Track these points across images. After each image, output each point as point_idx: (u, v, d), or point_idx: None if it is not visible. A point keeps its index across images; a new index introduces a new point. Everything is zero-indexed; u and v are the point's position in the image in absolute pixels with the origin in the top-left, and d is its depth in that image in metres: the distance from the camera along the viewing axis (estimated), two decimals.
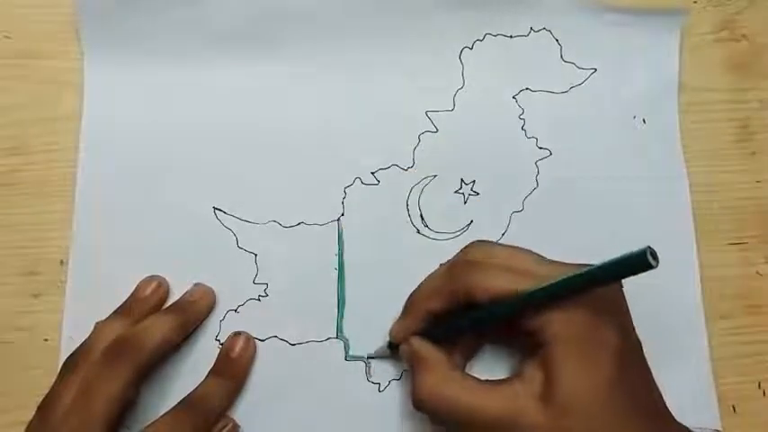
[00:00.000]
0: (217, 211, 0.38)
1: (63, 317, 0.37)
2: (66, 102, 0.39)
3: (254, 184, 0.39)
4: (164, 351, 0.34)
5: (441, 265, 0.34)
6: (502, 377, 0.31)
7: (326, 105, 0.40)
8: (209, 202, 0.38)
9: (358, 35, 0.40)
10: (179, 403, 0.34)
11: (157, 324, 0.34)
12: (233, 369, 0.35)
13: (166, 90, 0.40)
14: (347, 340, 0.37)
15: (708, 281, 0.38)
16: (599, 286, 0.29)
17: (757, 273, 0.39)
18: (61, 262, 0.37)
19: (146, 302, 0.36)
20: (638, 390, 0.30)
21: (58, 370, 0.33)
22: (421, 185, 0.39)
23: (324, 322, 0.37)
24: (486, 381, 0.31)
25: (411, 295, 0.35)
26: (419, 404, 0.31)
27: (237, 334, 0.36)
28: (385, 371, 0.36)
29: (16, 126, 0.39)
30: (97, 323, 0.35)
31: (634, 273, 0.27)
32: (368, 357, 0.36)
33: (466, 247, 0.34)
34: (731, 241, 0.39)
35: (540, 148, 0.39)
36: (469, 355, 0.35)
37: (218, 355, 0.36)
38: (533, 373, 0.30)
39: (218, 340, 0.36)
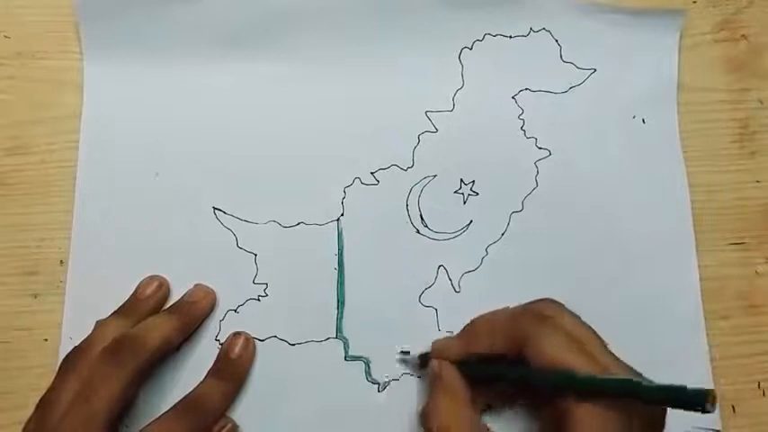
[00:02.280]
0: (217, 211, 0.38)
1: (63, 317, 0.37)
2: (65, 102, 0.39)
3: (253, 184, 0.39)
4: (164, 351, 0.34)
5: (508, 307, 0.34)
6: None
7: (326, 105, 0.40)
8: (209, 202, 0.38)
9: (358, 35, 0.40)
10: (178, 403, 0.34)
11: (158, 324, 0.34)
12: (232, 369, 0.35)
13: (166, 90, 0.40)
14: (347, 340, 0.37)
15: (708, 281, 0.38)
16: (648, 404, 0.28)
17: (757, 273, 0.39)
18: (61, 262, 0.37)
19: (146, 303, 0.36)
20: None
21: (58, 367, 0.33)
22: (420, 185, 0.39)
23: (324, 322, 0.37)
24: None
25: (473, 321, 0.34)
26: (427, 423, 0.32)
27: (237, 334, 0.36)
28: (384, 371, 0.36)
29: (16, 126, 0.39)
30: (98, 322, 0.35)
31: (685, 408, 0.27)
32: (399, 359, 0.36)
33: (537, 300, 0.33)
34: (731, 241, 0.39)
35: (540, 148, 0.39)
36: (488, 407, 0.35)
37: (218, 356, 0.36)
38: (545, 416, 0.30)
39: (218, 340, 0.36)
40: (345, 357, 0.37)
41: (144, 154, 0.39)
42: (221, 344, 0.36)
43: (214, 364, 0.36)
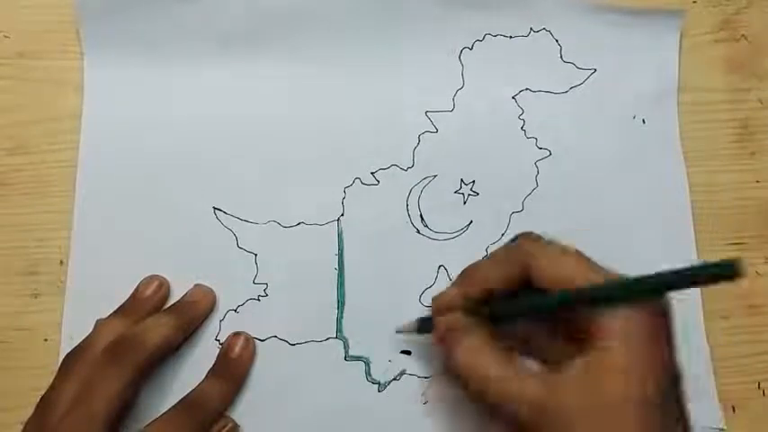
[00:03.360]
0: (217, 211, 0.38)
1: (63, 317, 0.37)
2: (65, 102, 0.39)
3: (253, 184, 0.39)
4: (164, 351, 0.34)
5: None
6: None
7: (326, 105, 0.40)
8: (209, 201, 0.38)
9: (358, 35, 0.40)
10: (178, 403, 0.34)
11: (158, 324, 0.34)
12: (232, 369, 0.35)
13: (166, 89, 0.40)
14: (347, 340, 0.37)
15: None
16: (672, 290, 0.27)
17: (757, 273, 0.39)
18: (61, 262, 0.37)
19: (146, 303, 0.36)
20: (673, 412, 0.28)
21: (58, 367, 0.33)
22: (421, 186, 0.39)
23: (324, 322, 0.37)
24: (524, 367, 0.30)
25: (466, 269, 0.32)
26: (454, 368, 0.30)
27: (237, 334, 0.36)
28: (385, 371, 0.36)
29: (16, 126, 0.39)
30: (98, 321, 0.35)
31: (717, 280, 0.26)
32: (396, 332, 0.36)
33: (520, 234, 0.32)
34: (731, 241, 0.39)
35: (540, 148, 0.39)
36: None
37: (218, 356, 0.36)
38: (578, 367, 0.28)
39: (218, 340, 0.36)
40: (345, 357, 0.37)
41: (144, 154, 0.39)
42: (221, 344, 0.36)
43: (214, 364, 0.36)
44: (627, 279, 0.28)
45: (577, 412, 0.27)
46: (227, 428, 0.34)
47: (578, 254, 0.30)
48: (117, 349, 0.32)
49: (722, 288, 0.38)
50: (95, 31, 0.39)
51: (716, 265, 0.25)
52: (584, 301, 0.28)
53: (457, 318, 0.31)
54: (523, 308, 0.31)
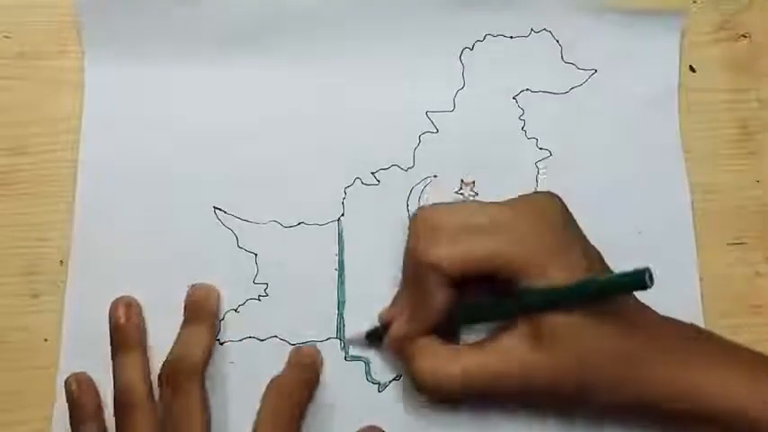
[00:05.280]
0: (217, 211, 0.38)
1: (63, 317, 0.37)
2: (66, 102, 0.39)
3: (254, 184, 0.39)
4: (209, 359, 0.34)
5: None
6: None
7: (327, 105, 0.40)
8: (210, 201, 0.38)
9: (358, 35, 0.40)
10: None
11: (194, 336, 0.35)
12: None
13: (167, 89, 0.40)
14: (347, 340, 0.37)
15: (708, 281, 0.38)
16: (600, 297, 0.30)
17: (757, 273, 0.39)
18: (61, 262, 0.37)
19: (130, 327, 0.36)
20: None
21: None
22: (421, 186, 0.39)
23: (324, 322, 0.37)
24: (475, 344, 0.33)
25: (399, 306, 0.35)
26: (425, 389, 0.33)
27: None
28: (385, 371, 0.36)
29: (16, 126, 0.39)
30: (120, 369, 0.34)
31: (630, 290, 0.30)
32: (345, 342, 0.37)
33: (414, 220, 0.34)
34: (731, 241, 0.39)
35: (541, 148, 0.39)
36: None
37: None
38: (521, 324, 0.31)
39: (218, 340, 0.36)
40: (345, 357, 0.37)
41: (144, 154, 0.39)
42: (221, 343, 0.36)
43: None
44: (550, 288, 0.30)
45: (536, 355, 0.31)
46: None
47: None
48: (176, 379, 0.33)
49: (722, 288, 0.38)
50: (96, 31, 0.39)
51: (628, 274, 0.29)
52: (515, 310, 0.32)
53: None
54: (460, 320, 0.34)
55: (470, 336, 0.35)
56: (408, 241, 0.34)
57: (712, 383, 0.30)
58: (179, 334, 0.35)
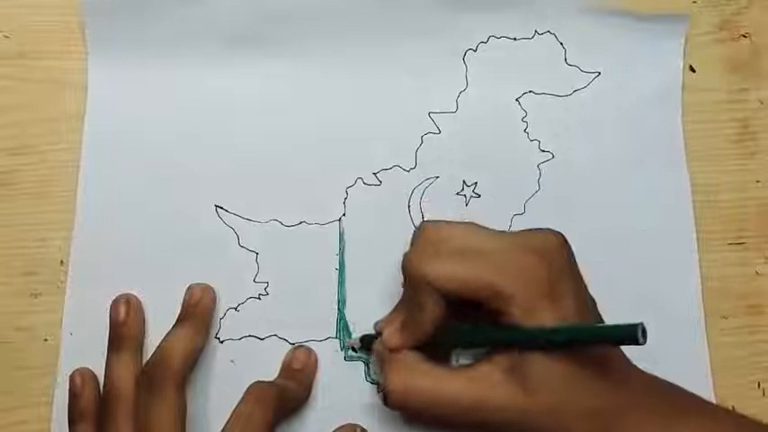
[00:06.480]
0: (218, 210, 0.38)
1: (63, 317, 0.37)
2: (66, 102, 0.39)
3: (255, 183, 0.39)
4: (193, 361, 0.34)
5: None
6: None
7: (329, 106, 0.40)
8: (211, 200, 0.38)
9: (361, 36, 0.40)
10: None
11: (177, 339, 0.34)
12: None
13: (169, 89, 0.40)
14: (347, 340, 0.37)
15: (708, 281, 0.38)
16: (588, 345, 0.29)
17: (757, 273, 0.39)
18: (61, 262, 0.37)
19: (129, 326, 0.35)
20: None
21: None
22: (423, 186, 0.39)
23: (324, 322, 0.37)
24: (455, 369, 0.32)
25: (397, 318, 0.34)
26: (392, 401, 0.32)
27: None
28: None
29: (16, 126, 0.39)
30: (111, 366, 0.34)
31: (621, 343, 0.28)
32: (343, 347, 0.37)
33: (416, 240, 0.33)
34: (731, 241, 0.39)
35: (543, 150, 0.39)
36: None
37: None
38: (501, 356, 0.30)
39: (218, 338, 0.37)
40: (345, 357, 0.37)
41: (146, 154, 0.39)
42: (221, 341, 0.36)
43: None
44: (538, 330, 0.29)
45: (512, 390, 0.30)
46: None
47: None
48: (152, 382, 0.32)
49: (722, 288, 0.38)
50: (100, 32, 0.39)
51: (619, 327, 0.27)
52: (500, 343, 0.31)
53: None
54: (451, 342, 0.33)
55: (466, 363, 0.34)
56: (407, 252, 0.33)
57: None
58: (165, 335, 0.35)
